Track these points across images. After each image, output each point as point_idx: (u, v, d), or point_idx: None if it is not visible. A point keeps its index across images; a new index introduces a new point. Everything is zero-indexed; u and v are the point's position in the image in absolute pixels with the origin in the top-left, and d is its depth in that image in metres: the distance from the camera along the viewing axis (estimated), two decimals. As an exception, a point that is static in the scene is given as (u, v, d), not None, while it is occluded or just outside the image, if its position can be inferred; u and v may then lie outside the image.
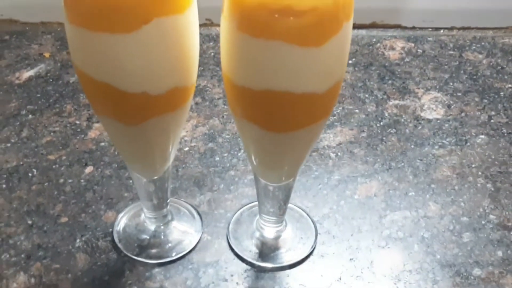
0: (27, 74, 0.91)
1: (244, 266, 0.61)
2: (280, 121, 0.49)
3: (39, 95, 0.86)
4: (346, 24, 0.46)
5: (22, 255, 0.61)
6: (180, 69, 0.48)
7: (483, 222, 0.66)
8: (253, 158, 0.56)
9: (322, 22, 0.44)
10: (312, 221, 0.66)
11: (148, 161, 0.56)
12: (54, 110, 0.83)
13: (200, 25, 1.06)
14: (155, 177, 0.58)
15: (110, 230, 0.64)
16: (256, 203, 0.67)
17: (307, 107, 0.49)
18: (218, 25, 1.07)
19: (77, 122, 0.81)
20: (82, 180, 0.71)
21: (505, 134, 0.80)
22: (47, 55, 0.96)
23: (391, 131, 0.81)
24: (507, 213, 0.68)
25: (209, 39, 1.03)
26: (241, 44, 0.46)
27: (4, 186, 0.70)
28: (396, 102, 0.87)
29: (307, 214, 0.67)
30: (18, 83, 0.89)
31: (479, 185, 0.72)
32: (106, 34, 0.44)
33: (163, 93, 0.48)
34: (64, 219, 0.66)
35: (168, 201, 0.62)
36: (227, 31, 0.47)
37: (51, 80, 0.90)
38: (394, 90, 0.89)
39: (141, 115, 0.49)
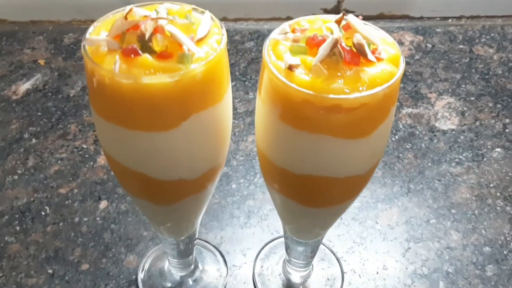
0: (23, 87, 0.87)
1: (273, 313, 0.61)
2: (319, 200, 0.48)
3: (39, 113, 0.82)
4: (393, 108, 0.44)
5: (47, 312, 0.60)
6: (216, 153, 0.46)
7: (505, 252, 0.67)
8: (284, 220, 0.54)
9: (371, 115, 0.41)
10: (337, 259, 0.65)
11: (177, 229, 0.54)
12: (58, 132, 0.80)
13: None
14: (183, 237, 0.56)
15: (134, 277, 0.63)
16: (278, 239, 0.67)
17: (348, 187, 0.47)
18: (223, 20, 1.02)
19: (84, 146, 0.78)
20: (97, 218, 0.69)
21: (521, 146, 0.80)
22: (42, 62, 0.91)
23: (407, 146, 0.79)
24: (527, 240, 0.68)
25: (210, 36, 0.98)
26: (283, 133, 0.43)
27: (18, 228, 0.68)
28: (410, 110, 0.85)
29: (331, 251, 0.66)
30: (16, 98, 0.85)
31: (498, 208, 0.72)
32: (143, 132, 0.41)
33: (199, 176, 0.46)
34: (85, 266, 0.64)
35: (193, 249, 0.61)
36: (266, 116, 0.44)
37: (50, 94, 0.86)
38: (406, 95, 0.87)
39: (176, 197, 0.47)
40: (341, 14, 0.43)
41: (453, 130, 0.82)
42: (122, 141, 0.42)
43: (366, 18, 1.05)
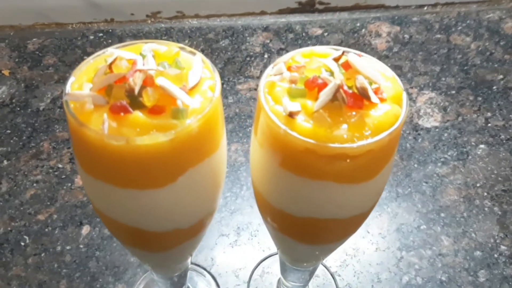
0: (-12, 102, 0.82)
1: (271, 337, 0.60)
2: (321, 238, 0.46)
3: (9, 131, 0.78)
4: (396, 147, 0.42)
5: None
6: (213, 200, 0.44)
7: (495, 256, 0.67)
8: (281, 251, 0.53)
9: (376, 159, 0.40)
10: (331, 274, 0.65)
11: (171, 268, 0.52)
12: (31, 152, 0.75)
13: (171, 18, 0.97)
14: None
15: (125, 308, 0.61)
16: (270, 257, 0.65)
17: (351, 225, 0.45)
18: (191, 17, 0.98)
19: (60, 165, 0.74)
20: (81, 245, 0.66)
21: (504, 141, 0.80)
22: (6, 73, 0.86)
23: (392, 147, 0.78)
24: (516, 241, 0.69)
25: (183, 36, 0.94)
26: (282, 178, 0.41)
27: (-4, 262, 0.64)
28: (392, 108, 0.84)
29: (325, 267, 0.65)
30: (-19, 116, 0.80)
31: (486, 209, 0.72)
32: (136, 190, 0.38)
33: (195, 223, 0.44)
34: (72, 300, 0.62)
35: (187, 279, 0.59)
36: (264, 160, 0.42)
37: (18, 109, 0.81)
38: (388, 92, 0.86)
39: (171, 245, 0.45)
40: (340, 52, 0.41)
41: (436, 127, 0.81)
42: (113, 199, 0.40)
43: (341, 9, 1.02)
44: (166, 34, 0.94)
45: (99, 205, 0.42)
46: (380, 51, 0.92)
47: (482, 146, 0.79)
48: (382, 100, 0.39)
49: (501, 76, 0.89)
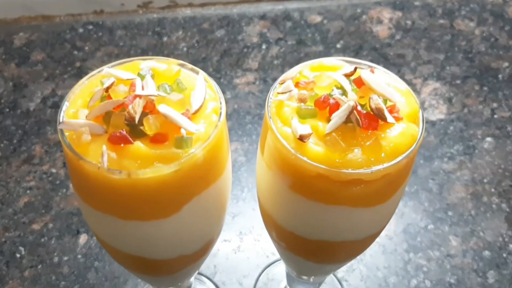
0: (-24, 103, 0.78)
1: None
2: (331, 258, 0.44)
3: (-1, 134, 0.75)
4: (412, 166, 0.40)
5: None
6: (217, 223, 0.42)
7: (504, 255, 0.66)
8: (289, 267, 0.51)
9: (392, 182, 0.37)
10: (338, 280, 0.63)
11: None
12: (23, 156, 0.72)
13: (163, 8, 0.93)
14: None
15: (127, 321, 0.59)
16: (274, 264, 0.64)
17: (363, 245, 0.43)
18: (184, 6, 0.95)
19: (53, 170, 0.71)
20: (79, 256, 0.64)
21: (510, 134, 0.77)
22: (-7, 71, 0.82)
23: (396, 142, 0.76)
24: (526, 240, 0.67)
25: (176, 26, 0.90)
26: (293, 201, 0.39)
27: (-9, 275, 0.62)
28: (395, 100, 0.81)
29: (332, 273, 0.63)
30: (-31, 118, 0.77)
31: (494, 206, 0.70)
32: (139, 221, 0.36)
33: (199, 249, 0.42)
34: (72, 314, 0.60)
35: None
36: (273, 181, 0.39)
37: (7, 110, 0.78)
38: (390, 83, 0.83)
39: (175, 270, 0.43)
40: (352, 68, 0.38)
41: (442, 120, 0.79)
42: (115, 229, 0.37)
43: (340, -5, 0.96)
44: (159, 25, 0.90)
45: (99, 234, 0.39)
46: (382, 39, 0.89)
47: (488, 139, 0.77)
48: (397, 119, 0.37)
49: (507, 64, 0.86)
